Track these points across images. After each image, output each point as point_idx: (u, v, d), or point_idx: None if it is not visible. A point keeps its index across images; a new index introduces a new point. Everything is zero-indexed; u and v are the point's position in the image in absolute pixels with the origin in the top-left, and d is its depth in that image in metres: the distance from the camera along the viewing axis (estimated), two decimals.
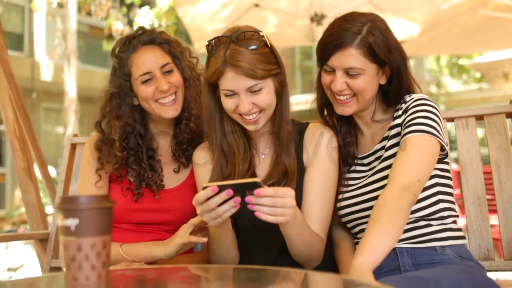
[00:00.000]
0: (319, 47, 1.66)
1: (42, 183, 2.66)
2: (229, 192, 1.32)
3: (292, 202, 1.37)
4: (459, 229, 1.65)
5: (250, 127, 1.66)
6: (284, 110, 1.69)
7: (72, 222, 1.00)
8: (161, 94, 1.83)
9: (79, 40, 12.15)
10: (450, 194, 1.67)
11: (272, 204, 1.34)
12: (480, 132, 2.01)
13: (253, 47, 1.57)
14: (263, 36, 1.60)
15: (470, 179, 1.92)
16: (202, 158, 1.80)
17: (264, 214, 1.34)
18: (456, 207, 1.68)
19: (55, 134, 13.53)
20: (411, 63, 1.73)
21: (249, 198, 1.33)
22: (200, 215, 1.41)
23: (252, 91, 1.59)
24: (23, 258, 6.09)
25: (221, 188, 1.33)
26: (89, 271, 1.01)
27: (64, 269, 1.03)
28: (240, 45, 1.57)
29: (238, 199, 1.34)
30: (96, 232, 1.01)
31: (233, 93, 1.60)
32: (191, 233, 1.64)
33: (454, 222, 1.65)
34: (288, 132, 1.70)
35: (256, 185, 1.32)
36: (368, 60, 1.60)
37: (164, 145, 1.98)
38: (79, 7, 9.86)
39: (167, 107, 1.85)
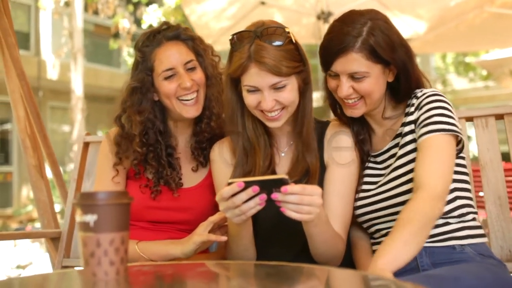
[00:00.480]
0: (321, 53, 1.63)
1: (53, 181, 2.66)
2: (256, 188, 1.29)
3: (320, 200, 1.34)
4: (479, 227, 1.62)
5: (271, 124, 1.64)
6: (307, 108, 1.67)
7: (91, 218, 1.01)
8: (183, 91, 1.81)
9: (85, 38, 12.17)
10: (468, 190, 1.64)
11: (299, 201, 1.31)
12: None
13: (278, 43, 1.55)
14: (288, 32, 1.57)
15: (491, 179, 1.89)
16: (219, 154, 1.78)
17: (289, 210, 1.32)
18: (474, 203, 1.66)
19: (61, 132, 13.57)
20: (417, 60, 1.70)
21: (275, 195, 1.30)
22: (223, 211, 1.38)
23: (275, 88, 1.56)
24: (32, 256, 6.12)
25: (247, 185, 1.29)
26: (108, 267, 1.01)
27: (83, 265, 1.03)
28: (265, 40, 1.54)
29: (264, 196, 1.31)
30: (115, 228, 1.02)
31: (256, 89, 1.57)
32: (209, 232, 1.61)
33: (474, 219, 1.62)
34: (310, 130, 1.68)
35: (283, 182, 1.28)
36: (371, 62, 1.56)
37: (182, 143, 1.96)
38: (86, 6, 9.89)
39: (188, 107, 1.83)
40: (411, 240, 1.32)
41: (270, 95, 1.56)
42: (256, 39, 1.55)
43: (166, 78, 1.82)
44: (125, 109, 1.87)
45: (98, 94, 13.37)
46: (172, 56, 1.82)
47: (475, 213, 1.64)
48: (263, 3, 5.81)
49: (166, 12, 8.40)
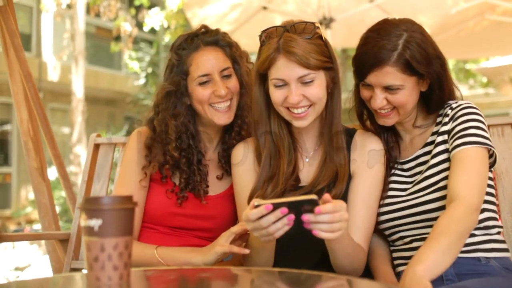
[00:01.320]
0: (355, 64, 1.62)
1: (60, 183, 2.66)
2: (284, 210, 1.25)
3: (347, 215, 1.31)
4: (504, 241, 1.62)
5: (297, 123, 1.60)
6: (335, 109, 1.64)
7: (95, 223, 1.01)
8: (217, 99, 1.78)
9: (87, 40, 12.19)
10: (493, 203, 1.63)
11: (331, 220, 1.27)
12: None
13: (308, 36, 1.53)
14: (318, 28, 1.56)
15: (507, 188, 1.87)
16: (242, 157, 1.75)
17: (322, 232, 1.28)
18: (498, 217, 1.65)
19: (61, 134, 13.56)
20: None
21: (306, 217, 1.26)
22: (251, 232, 1.35)
23: (303, 81, 1.54)
24: (30, 258, 6.11)
25: (276, 206, 1.25)
26: (112, 272, 1.02)
27: (87, 269, 1.04)
28: (294, 33, 1.53)
29: (292, 216, 1.26)
30: (119, 232, 1.02)
31: (283, 83, 1.55)
32: (231, 242, 1.58)
33: (499, 233, 1.62)
34: (339, 132, 1.64)
35: (313, 202, 1.24)
36: (406, 75, 1.55)
37: (210, 150, 1.92)
38: (88, 8, 9.91)
39: (221, 114, 1.80)
40: (449, 249, 1.33)
41: (297, 89, 1.54)
42: (285, 32, 1.54)
43: (201, 84, 1.79)
44: (159, 112, 1.84)
45: (99, 96, 13.39)
46: (209, 62, 1.79)
47: (500, 227, 1.64)
48: (265, 8, 5.83)
49: (168, 16, 8.41)
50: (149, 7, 9.16)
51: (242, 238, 1.61)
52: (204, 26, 1.88)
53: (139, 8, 10.04)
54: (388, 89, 1.57)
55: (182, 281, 1.17)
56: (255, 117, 1.69)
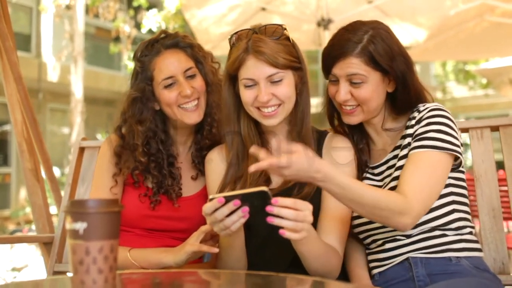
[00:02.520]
0: (323, 58, 1.67)
1: (48, 185, 2.66)
2: (237, 202, 1.29)
3: (311, 217, 1.33)
4: (476, 241, 1.62)
5: (267, 122, 1.62)
6: (305, 108, 1.67)
7: (80, 226, 1.01)
8: (184, 99, 1.80)
9: (86, 41, 12.19)
10: (466, 204, 1.64)
11: (295, 218, 1.30)
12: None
13: (276, 37, 1.58)
14: (285, 30, 1.61)
15: (485, 190, 1.88)
16: (214, 157, 1.77)
17: (288, 231, 1.31)
18: (471, 217, 1.66)
19: (60, 134, 13.57)
20: (417, 68, 1.71)
21: (270, 208, 1.29)
22: (210, 225, 1.39)
23: (272, 81, 1.57)
24: (28, 259, 6.11)
25: (228, 199, 1.29)
26: (96, 275, 1.01)
27: (71, 273, 1.03)
28: (263, 34, 1.58)
29: (246, 208, 1.31)
30: (104, 236, 1.02)
31: (253, 83, 1.58)
32: (202, 241, 1.60)
33: (471, 233, 1.62)
34: (309, 132, 1.67)
35: (265, 195, 1.28)
36: (370, 68, 1.59)
37: (183, 151, 1.95)
38: (87, 9, 9.91)
39: (190, 113, 1.82)
40: (359, 204, 1.41)
41: (267, 88, 1.57)
42: (254, 34, 1.58)
43: (166, 87, 1.81)
44: (126, 119, 1.86)
45: (98, 97, 13.39)
46: (171, 64, 1.81)
47: (472, 227, 1.64)
48: (263, 9, 5.83)
49: (166, 17, 8.42)
50: (148, 8, 9.15)
51: (214, 238, 1.63)
52: (164, 31, 1.91)
53: (137, 9, 10.04)
54: (352, 82, 1.61)
55: (166, 285, 1.17)
56: (223, 118, 1.72)
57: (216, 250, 1.57)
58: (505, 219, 1.93)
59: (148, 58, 1.84)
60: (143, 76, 1.84)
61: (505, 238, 1.85)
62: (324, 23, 5.48)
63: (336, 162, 1.68)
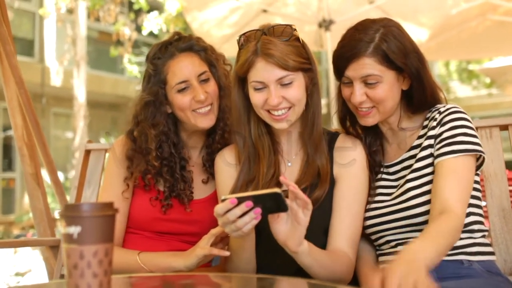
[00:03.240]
0: (334, 60, 1.63)
1: (52, 189, 2.66)
2: (249, 203, 1.28)
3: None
4: (489, 245, 1.60)
5: (278, 125, 1.59)
6: (316, 110, 1.64)
7: (74, 230, 0.99)
8: (198, 104, 1.78)
9: (89, 45, 12.23)
10: (480, 207, 1.62)
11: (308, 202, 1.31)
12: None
13: (285, 38, 1.54)
14: (295, 30, 1.57)
15: (495, 190, 1.85)
16: (224, 160, 1.75)
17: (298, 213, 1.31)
18: (484, 220, 1.64)
19: (64, 139, 13.60)
20: None
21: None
22: (221, 226, 1.36)
23: (282, 83, 1.54)
24: (31, 263, 6.11)
25: (241, 200, 1.28)
26: (91, 279, 1.00)
27: (66, 277, 1.02)
28: (272, 36, 1.54)
29: (258, 210, 1.29)
30: (99, 239, 1.00)
31: (262, 86, 1.55)
32: (212, 244, 1.57)
33: (484, 236, 1.61)
34: (320, 133, 1.64)
35: (278, 197, 1.27)
36: (384, 67, 1.55)
37: (194, 154, 1.93)
38: (89, 13, 9.93)
39: (203, 117, 1.80)
40: (442, 253, 1.32)
41: (277, 91, 1.54)
42: (263, 35, 1.55)
43: (180, 91, 1.79)
44: (138, 123, 1.84)
45: (101, 101, 13.41)
46: (185, 68, 1.79)
47: (486, 230, 1.62)
48: (265, 11, 5.82)
49: (167, 20, 8.42)
50: (149, 11, 9.16)
51: (224, 241, 1.61)
52: (177, 33, 1.88)
53: (138, 12, 10.05)
54: (367, 83, 1.57)
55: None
56: (233, 120, 1.70)
57: (227, 253, 1.54)
58: None
59: (162, 61, 1.81)
60: (156, 79, 1.82)
61: None
62: (325, 24, 5.47)
63: (344, 162, 1.66)
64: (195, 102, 1.78)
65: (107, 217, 1.02)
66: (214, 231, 1.56)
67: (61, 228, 1.02)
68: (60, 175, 10.67)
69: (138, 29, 10.03)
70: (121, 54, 10.37)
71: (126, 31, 9.76)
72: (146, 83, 1.85)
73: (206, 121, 1.81)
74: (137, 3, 8.94)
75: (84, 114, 10.30)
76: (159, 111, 1.82)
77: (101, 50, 13.87)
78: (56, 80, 12.36)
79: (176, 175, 1.82)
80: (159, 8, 9.78)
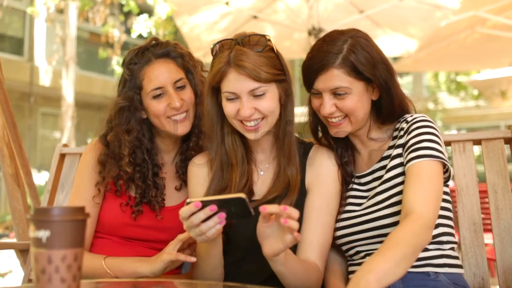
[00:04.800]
0: (303, 72, 1.62)
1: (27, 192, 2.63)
2: (213, 207, 1.27)
3: (297, 225, 1.28)
4: (457, 257, 1.60)
5: (250, 135, 1.59)
6: (289, 120, 1.63)
7: (43, 234, 0.98)
8: (173, 111, 1.77)
9: (79, 46, 12.17)
10: (450, 218, 1.62)
11: (298, 216, 1.28)
12: (476, 149, 1.99)
13: (258, 49, 1.53)
14: (269, 40, 1.56)
15: (466, 204, 1.86)
16: (195, 166, 1.74)
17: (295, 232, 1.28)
18: (454, 232, 1.64)
19: (52, 139, 13.50)
20: (410, 78, 1.70)
21: (285, 208, 1.26)
22: (186, 230, 1.36)
23: (254, 95, 1.53)
24: (12, 264, 6.04)
25: (205, 204, 1.27)
26: (59, 284, 0.98)
27: (34, 282, 1.01)
28: (245, 46, 1.53)
29: (223, 214, 1.29)
30: (68, 244, 0.99)
31: (235, 97, 1.54)
32: (179, 250, 1.57)
33: (452, 249, 1.60)
34: (292, 144, 1.63)
35: (242, 202, 1.26)
36: (353, 78, 1.55)
37: (168, 161, 1.91)
38: (78, 14, 9.88)
39: (178, 124, 1.79)
40: (402, 262, 1.29)
41: (249, 102, 1.53)
42: (236, 45, 1.53)
43: (155, 97, 1.77)
44: (112, 127, 1.82)
45: (90, 102, 13.32)
46: (161, 74, 1.78)
47: (455, 242, 1.62)
48: (255, 17, 5.84)
49: (157, 23, 8.41)
50: (138, 14, 9.13)
51: (191, 247, 1.60)
52: (155, 39, 1.87)
53: (128, 14, 10.01)
54: (336, 94, 1.57)
55: None
56: (206, 129, 1.69)
57: (193, 259, 1.54)
58: (486, 230, 1.91)
59: (138, 66, 1.80)
60: (131, 85, 1.80)
61: (485, 252, 1.83)
62: (315, 32, 5.49)
63: (316, 173, 1.66)
64: (170, 109, 1.77)
65: (78, 222, 1.01)
66: (181, 237, 1.56)
67: (30, 232, 1.01)
68: (47, 175, 10.59)
69: (128, 31, 9.99)
70: (110, 56, 10.31)
71: (116, 33, 9.72)
72: (122, 88, 1.83)
73: (181, 128, 1.80)
74: (127, 6, 8.91)
75: (72, 114, 10.22)
76: (134, 116, 1.80)
77: (91, 51, 13.81)
78: (45, 79, 12.26)
79: (148, 181, 1.81)
80: (149, 11, 9.76)
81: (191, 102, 1.82)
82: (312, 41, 5.63)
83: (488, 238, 1.86)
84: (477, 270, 1.80)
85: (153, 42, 1.85)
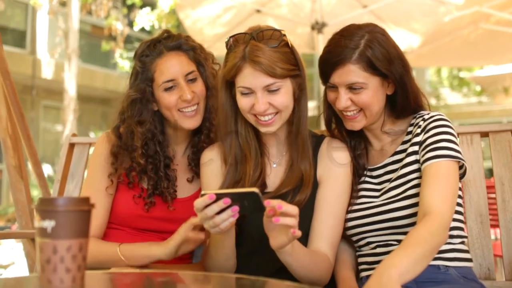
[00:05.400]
0: (320, 65, 1.63)
1: (36, 181, 2.64)
2: (227, 200, 1.29)
3: (296, 222, 1.31)
4: (467, 251, 1.62)
5: (264, 130, 1.60)
6: (302, 115, 1.64)
7: (48, 224, 0.99)
8: (184, 104, 1.78)
9: (81, 39, 12.16)
10: (460, 213, 1.63)
11: (296, 213, 1.30)
12: (482, 144, 2.00)
13: (274, 44, 1.53)
14: (284, 35, 1.56)
15: (473, 196, 1.88)
16: (208, 158, 1.75)
17: (294, 228, 1.30)
18: (464, 226, 1.65)
19: (54, 132, 13.52)
20: (412, 74, 1.70)
21: (280, 206, 1.29)
22: (200, 222, 1.37)
23: (269, 90, 1.54)
24: (15, 256, 6.07)
25: (219, 196, 1.29)
26: (64, 274, 0.99)
27: (38, 271, 1.01)
28: (260, 41, 1.53)
29: (236, 208, 1.30)
30: (73, 234, 1.00)
31: (249, 91, 1.55)
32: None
33: (462, 243, 1.62)
34: (305, 138, 1.65)
35: (255, 196, 1.27)
36: (369, 74, 1.56)
37: (179, 153, 1.92)
38: (81, 6, 9.88)
39: (188, 118, 1.80)
40: (421, 260, 1.31)
41: (264, 97, 1.54)
42: (251, 40, 1.54)
43: (167, 90, 1.78)
44: (124, 119, 1.84)
45: (93, 95, 13.35)
46: (173, 67, 1.78)
47: (465, 237, 1.63)
48: (258, 11, 5.82)
49: (160, 16, 8.41)
50: (141, 7, 9.13)
51: (203, 232, 1.60)
52: (167, 31, 1.87)
53: (131, 7, 10.00)
54: (352, 88, 1.58)
55: (141, 285, 1.15)
56: (220, 122, 1.69)
57: (202, 236, 1.56)
58: (493, 226, 1.92)
59: (150, 58, 1.81)
60: (143, 77, 1.81)
61: (491, 244, 1.85)
62: (318, 27, 5.48)
63: (328, 165, 1.67)
64: (181, 101, 1.78)
65: (82, 212, 1.02)
66: (194, 221, 1.57)
67: (36, 222, 1.02)
68: (49, 168, 10.63)
69: (131, 24, 9.99)
70: (113, 49, 10.32)
71: (119, 26, 9.72)
72: (134, 80, 1.84)
73: (191, 122, 1.81)
74: None
75: (74, 107, 10.23)
76: (146, 108, 1.81)
77: (94, 44, 13.81)
78: (47, 72, 12.28)
79: (160, 173, 1.82)
80: (152, 4, 9.75)
81: (202, 95, 1.83)
82: (316, 35, 5.63)
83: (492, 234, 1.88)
84: (484, 261, 1.82)
85: (165, 34, 1.85)
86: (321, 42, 5.39)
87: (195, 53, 1.84)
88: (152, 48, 1.82)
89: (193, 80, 1.81)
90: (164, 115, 1.84)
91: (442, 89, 16.04)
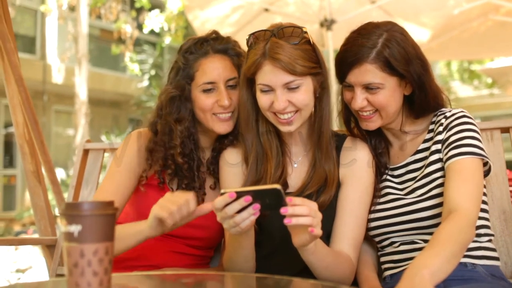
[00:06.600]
0: (336, 64, 1.62)
1: (49, 186, 2.66)
2: (248, 198, 1.25)
3: (320, 213, 1.29)
4: (494, 250, 1.60)
5: (283, 128, 1.59)
6: (324, 114, 1.62)
7: (75, 228, 1.00)
8: (220, 109, 1.75)
9: (91, 43, 12.23)
10: (486, 211, 1.62)
11: (309, 212, 1.25)
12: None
13: (294, 42, 1.52)
14: (305, 33, 1.54)
15: (496, 193, 1.84)
16: (228, 158, 1.73)
17: (317, 228, 1.27)
18: (490, 224, 1.63)
19: (65, 136, 13.61)
20: None
21: (284, 210, 1.25)
22: (220, 222, 1.34)
23: (289, 87, 1.53)
24: (32, 260, 6.13)
25: (240, 194, 1.26)
26: (91, 277, 1.01)
27: (66, 275, 1.03)
28: (281, 38, 1.52)
29: (257, 206, 1.27)
30: (99, 238, 1.01)
31: (269, 89, 1.54)
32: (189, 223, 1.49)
33: (490, 241, 1.60)
34: (329, 138, 1.63)
35: (277, 193, 1.24)
36: (386, 74, 1.54)
37: (205, 158, 1.88)
38: (90, 11, 9.94)
39: (222, 122, 1.77)
40: (452, 259, 1.30)
41: (283, 95, 1.53)
42: (272, 37, 1.53)
43: (205, 91, 1.76)
44: (162, 115, 1.80)
45: (103, 98, 13.42)
46: (216, 70, 1.75)
47: (492, 235, 1.62)
48: (266, 10, 5.82)
49: (168, 18, 8.42)
50: (150, 9, 9.16)
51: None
52: (215, 32, 1.84)
53: (140, 10, 10.04)
54: (368, 88, 1.56)
55: (167, 286, 1.16)
56: (241, 120, 1.68)
57: (208, 208, 1.44)
58: None
59: (194, 56, 1.77)
60: (184, 74, 1.78)
61: None
62: (327, 24, 5.46)
63: (351, 165, 1.65)
64: (218, 106, 1.75)
65: (108, 216, 1.03)
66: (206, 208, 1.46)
67: (62, 227, 1.03)
68: (61, 172, 10.71)
69: (140, 27, 10.03)
70: (123, 52, 10.37)
71: (128, 29, 9.76)
72: (174, 76, 1.81)
73: (224, 126, 1.77)
74: (138, 1, 8.94)
75: (85, 111, 10.30)
76: (184, 106, 1.78)
77: (103, 48, 13.88)
78: (57, 77, 12.36)
79: (195, 173, 1.79)
80: (160, 6, 9.78)
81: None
82: (325, 32, 5.61)
83: None
84: (509, 259, 1.79)
85: (214, 35, 1.82)
86: (330, 39, 5.37)
87: (239, 60, 1.80)
88: (198, 47, 1.79)
89: (233, 87, 1.78)
90: (197, 116, 1.80)
91: (452, 83, 15.93)
